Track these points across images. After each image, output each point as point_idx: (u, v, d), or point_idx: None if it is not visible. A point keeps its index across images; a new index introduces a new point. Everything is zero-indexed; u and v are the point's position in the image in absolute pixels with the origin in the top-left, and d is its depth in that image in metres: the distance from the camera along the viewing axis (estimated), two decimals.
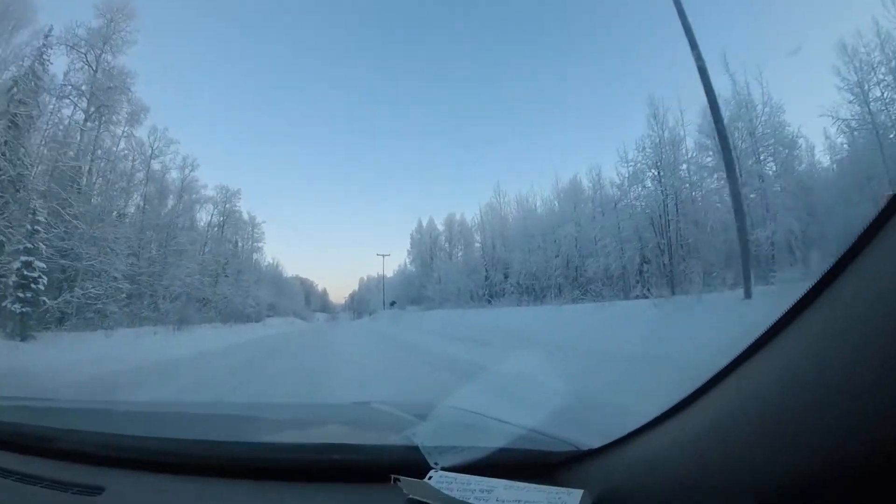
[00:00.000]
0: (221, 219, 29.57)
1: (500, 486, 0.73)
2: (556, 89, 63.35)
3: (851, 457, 0.40)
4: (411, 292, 42.39)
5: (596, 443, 0.81)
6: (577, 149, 58.79)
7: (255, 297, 30.32)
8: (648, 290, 16.47)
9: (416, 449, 0.84)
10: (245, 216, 33.73)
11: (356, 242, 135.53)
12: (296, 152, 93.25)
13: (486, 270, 28.93)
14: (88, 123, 17.67)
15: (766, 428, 0.48)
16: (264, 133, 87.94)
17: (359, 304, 74.63)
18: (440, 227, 41.36)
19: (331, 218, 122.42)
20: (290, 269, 64.99)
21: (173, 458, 0.92)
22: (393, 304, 44.34)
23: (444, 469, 0.77)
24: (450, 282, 33.66)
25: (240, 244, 33.26)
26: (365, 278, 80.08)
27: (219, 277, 26.02)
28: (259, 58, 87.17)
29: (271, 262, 49.31)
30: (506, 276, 27.44)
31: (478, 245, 34.46)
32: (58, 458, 0.96)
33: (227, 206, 30.69)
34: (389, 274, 50.69)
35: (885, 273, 0.41)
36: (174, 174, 24.75)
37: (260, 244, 36.70)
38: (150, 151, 21.87)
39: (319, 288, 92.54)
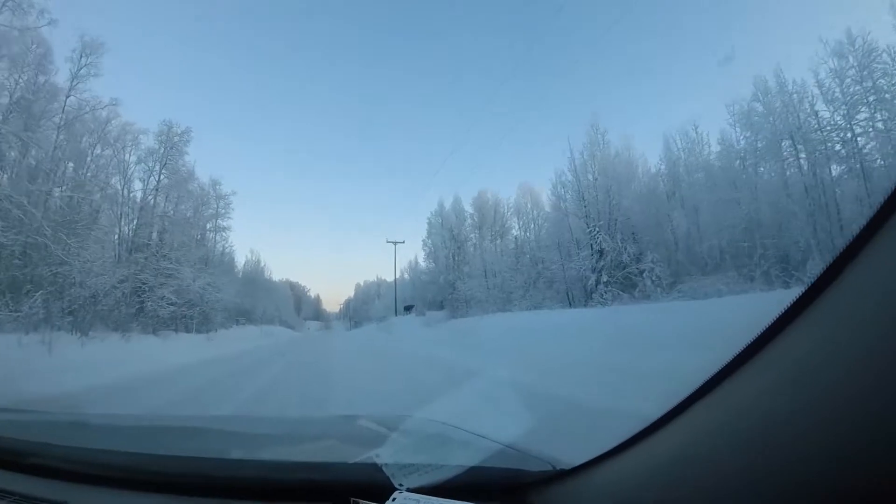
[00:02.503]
0: (159, 170, 17.66)
1: None
2: None
3: (845, 484, 0.37)
4: (429, 293, 31.32)
5: (574, 461, 0.77)
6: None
7: (179, 290, 17.00)
8: None
9: (381, 468, 0.78)
10: (201, 178, 21.92)
11: (351, 248, 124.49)
12: (293, 154, 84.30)
13: (600, 244, 16.00)
14: None
15: (757, 446, 0.44)
16: (260, 135, 77.82)
17: (355, 312, 64.25)
18: (468, 209, 30.82)
19: (324, 222, 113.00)
20: (281, 275, 54.86)
21: (138, 475, 0.89)
22: (409, 308, 31.60)
23: (409, 490, 0.72)
24: (506, 275, 21.64)
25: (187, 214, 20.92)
26: (362, 283, 68.80)
27: (80, 235, 13.01)
28: (249, 48, 76.50)
29: (250, 256, 38.72)
30: (623, 258, 15.00)
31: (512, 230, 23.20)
32: (29, 472, 0.93)
33: (167, 149, 18.53)
34: (397, 275, 37.91)
35: (881, 280, 0.38)
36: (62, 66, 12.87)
37: (224, 223, 25.27)
38: None
39: (312, 294, 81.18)
